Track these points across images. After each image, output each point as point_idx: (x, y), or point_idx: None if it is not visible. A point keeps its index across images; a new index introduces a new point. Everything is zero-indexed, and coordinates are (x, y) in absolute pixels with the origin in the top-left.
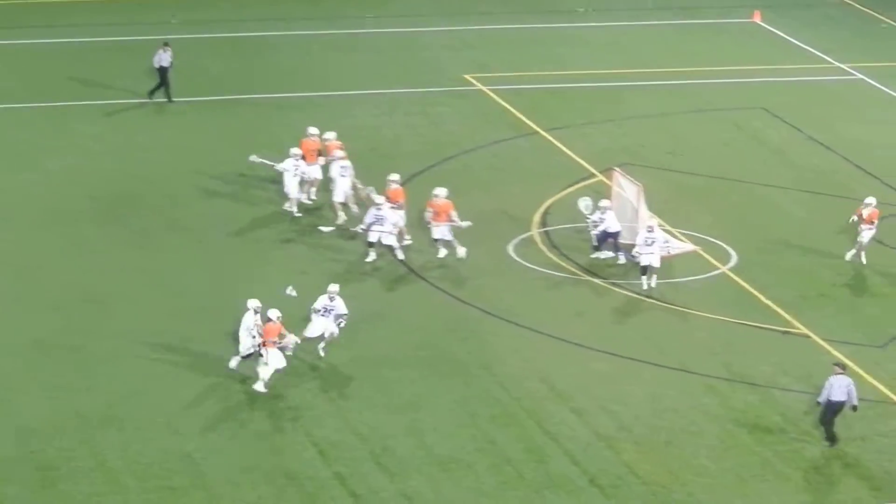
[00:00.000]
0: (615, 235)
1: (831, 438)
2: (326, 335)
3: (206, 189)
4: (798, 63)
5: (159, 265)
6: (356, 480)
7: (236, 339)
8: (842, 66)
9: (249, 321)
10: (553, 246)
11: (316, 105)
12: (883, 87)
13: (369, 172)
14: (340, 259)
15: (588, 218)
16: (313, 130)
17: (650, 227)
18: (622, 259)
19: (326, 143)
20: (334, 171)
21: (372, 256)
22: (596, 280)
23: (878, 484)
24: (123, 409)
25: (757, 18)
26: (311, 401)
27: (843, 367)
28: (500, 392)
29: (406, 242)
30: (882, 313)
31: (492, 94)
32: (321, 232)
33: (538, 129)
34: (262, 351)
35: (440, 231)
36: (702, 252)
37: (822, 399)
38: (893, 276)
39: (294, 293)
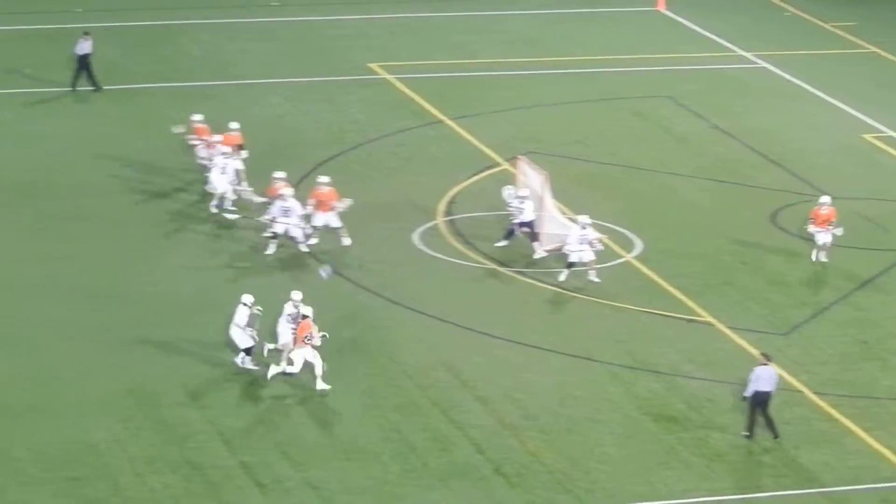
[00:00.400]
0: (530, 225)
1: (772, 427)
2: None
3: (112, 177)
4: (702, 51)
5: (67, 253)
6: (262, 470)
7: (152, 327)
8: (746, 54)
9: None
10: (458, 235)
11: (220, 94)
12: (786, 76)
13: (273, 162)
14: (241, 251)
15: (510, 206)
16: (234, 125)
17: (584, 224)
18: (538, 248)
19: (225, 135)
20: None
21: (272, 249)
22: (501, 269)
23: (782, 471)
24: (32, 398)
25: (661, 7)
26: (217, 390)
27: (769, 357)
28: (405, 381)
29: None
30: (785, 301)
31: (396, 83)
32: (227, 219)
33: (443, 118)
34: (294, 350)
35: (324, 218)
36: (607, 240)
37: (748, 392)
38: (796, 263)
39: (326, 275)
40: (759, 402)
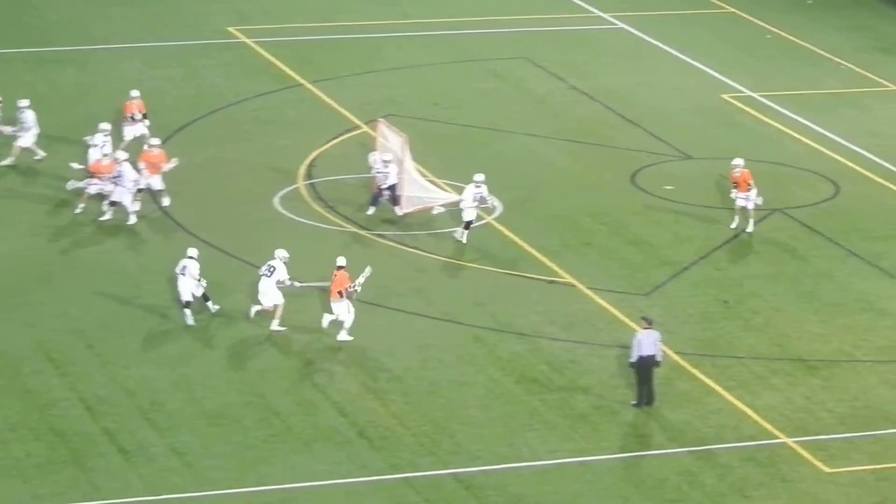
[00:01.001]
0: (392, 188)
1: (650, 399)
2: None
3: None
4: (560, 13)
5: None
6: (125, 436)
7: (7, 294)
8: (604, 15)
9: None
10: (319, 198)
11: (79, 59)
12: (645, 37)
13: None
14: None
15: (376, 171)
16: (135, 93)
17: (479, 182)
18: (399, 212)
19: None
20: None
21: (108, 215)
22: (363, 232)
23: (644, 431)
24: None
25: None
26: (76, 356)
27: (650, 320)
28: (267, 345)
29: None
30: (645, 261)
31: (255, 47)
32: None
33: (302, 81)
34: (333, 302)
35: (156, 181)
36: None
37: (633, 358)
38: (657, 223)
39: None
40: (644, 366)
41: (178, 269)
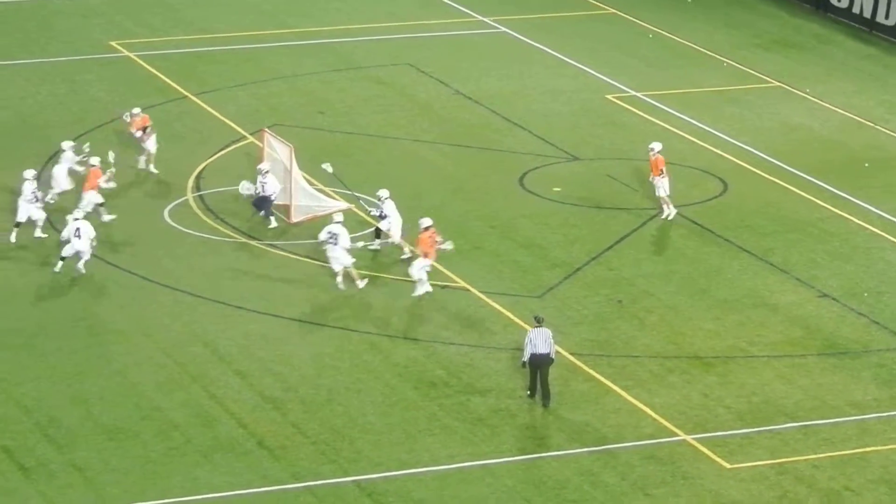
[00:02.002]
0: (264, 199)
1: (546, 398)
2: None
3: None
4: (441, 18)
5: None
6: (24, 453)
7: None
8: (485, 19)
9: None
10: (208, 210)
11: None
12: (526, 39)
13: (17, 145)
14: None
15: (254, 193)
16: (136, 110)
17: (383, 198)
18: (273, 223)
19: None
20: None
21: (13, 237)
22: (253, 242)
23: (543, 433)
24: None
25: None
26: None
27: (541, 319)
28: (163, 358)
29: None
30: (536, 263)
31: (139, 60)
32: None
33: (187, 94)
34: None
35: (91, 196)
36: (355, 209)
37: (525, 356)
38: (547, 225)
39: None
40: (538, 364)
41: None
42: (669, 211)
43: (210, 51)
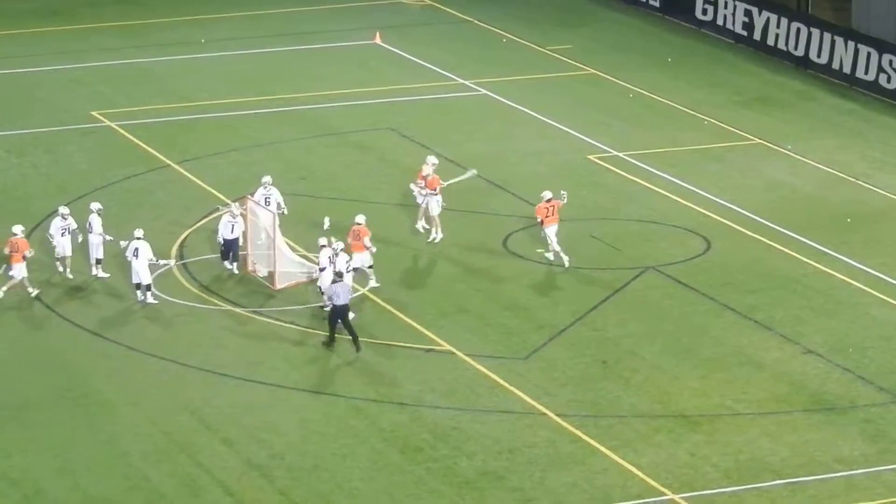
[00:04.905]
0: (231, 242)
1: (355, 337)
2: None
3: None
4: (423, 82)
5: None
6: None
7: None
8: (466, 82)
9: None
10: (193, 278)
11: None
12: (506, 101)
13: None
14: None
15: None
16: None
17: (337, 249)
18: (236, 270)
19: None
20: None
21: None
22: (237, 309)
23: (529, 495)
24: None
25: (378, 40)
26: None
27: (341, 274)
28: (149, 427)
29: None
30: (521, 325)
31: (121, 130)
32: None
33: (169, 162)
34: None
35: (18, 269)
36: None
37: (328, 307)
38: (531, 287)
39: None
40: (339, 314)
41: (129, 253)
42: (436, 235)
43: (191, 119)
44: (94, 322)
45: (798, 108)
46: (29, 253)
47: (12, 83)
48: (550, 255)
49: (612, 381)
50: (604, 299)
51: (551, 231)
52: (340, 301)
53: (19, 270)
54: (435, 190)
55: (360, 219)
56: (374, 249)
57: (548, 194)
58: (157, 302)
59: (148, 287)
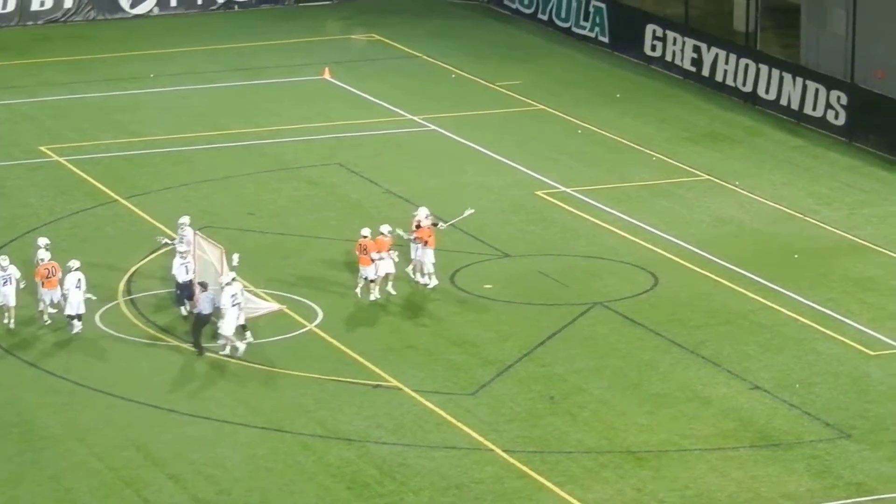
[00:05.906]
0: (183, 285)
1: (200, 349)
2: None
3: None
4: (372, 117)
5: None
6: None
7: None
8: (415, 118)
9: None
10: (140, 313)
11: None
12: (455, 137)
13: None
14: None
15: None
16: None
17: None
18: (185, 311)
19: None
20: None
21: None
22: (185, 345)
23: None
24: None
25: (326, 75)
26: None
27: (206, 285)
28: (96, 463)
29: None
30: (468, 360)
31: (68, 165)
32: None
33: (117, 197)
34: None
35: None
36: (287, 311)
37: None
38: (479, 322)
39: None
40: (203, 322)
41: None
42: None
43: (141, 154)
44: (41, 357)
45: (746, 144)
46: None
47: None
48: (425, 279)
49: (559, 416)
50: (551, 335)
51: (431, 253)
52: (205, 311)
53: None
54: (386, 252)
55: (366, 231)
56: (396, 259)
57: (430, 218)
58: (81, 331)
59: (79, 317)
